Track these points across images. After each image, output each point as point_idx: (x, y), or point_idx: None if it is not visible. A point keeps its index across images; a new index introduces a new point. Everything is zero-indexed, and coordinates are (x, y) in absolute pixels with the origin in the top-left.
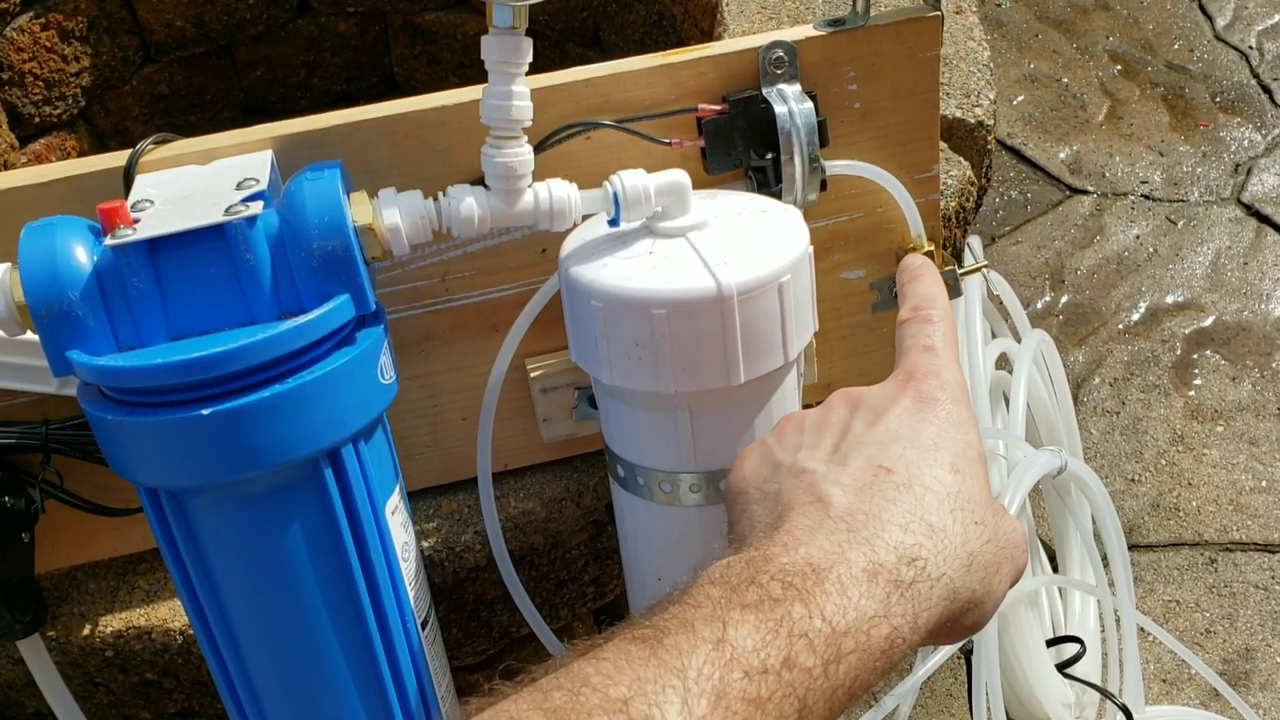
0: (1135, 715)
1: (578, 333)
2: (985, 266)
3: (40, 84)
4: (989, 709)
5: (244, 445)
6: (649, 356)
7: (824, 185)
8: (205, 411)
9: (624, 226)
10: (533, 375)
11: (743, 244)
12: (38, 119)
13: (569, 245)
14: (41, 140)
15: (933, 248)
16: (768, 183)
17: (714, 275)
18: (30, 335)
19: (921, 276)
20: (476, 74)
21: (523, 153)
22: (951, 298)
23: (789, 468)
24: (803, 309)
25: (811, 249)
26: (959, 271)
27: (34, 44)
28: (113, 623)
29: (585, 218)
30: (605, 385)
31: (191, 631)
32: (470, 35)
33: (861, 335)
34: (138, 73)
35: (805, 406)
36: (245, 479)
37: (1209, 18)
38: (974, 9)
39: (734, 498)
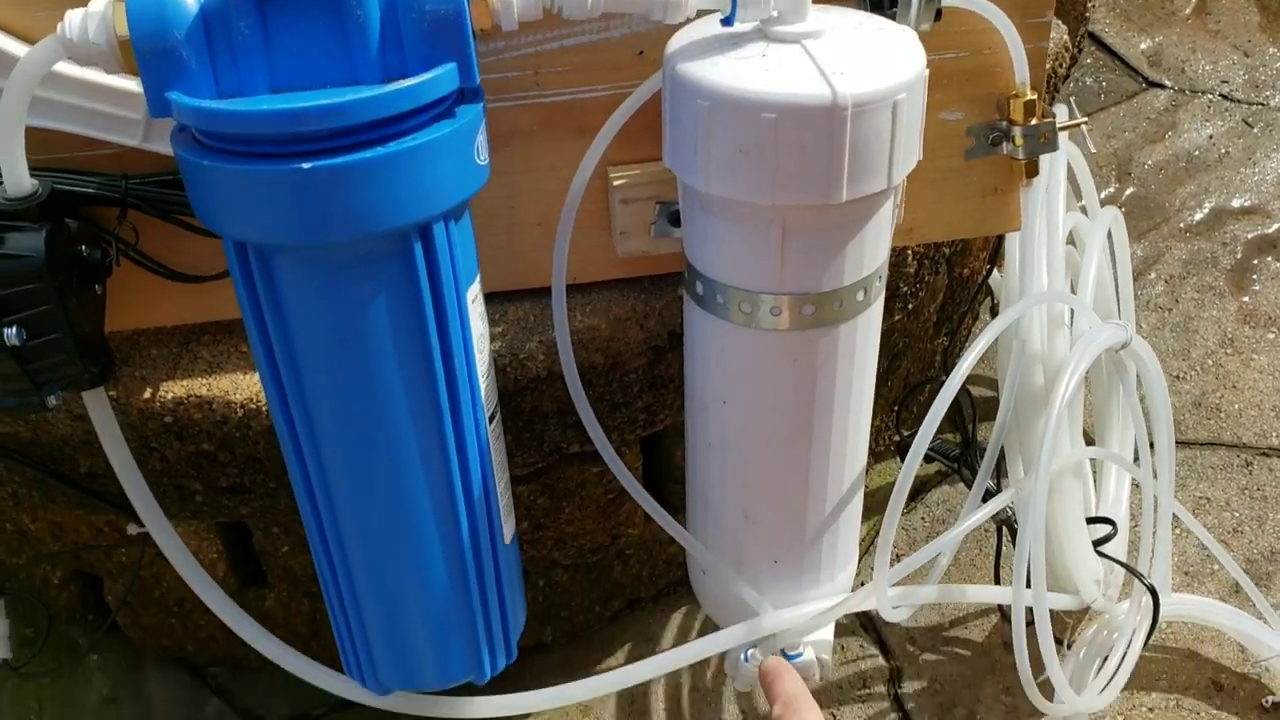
0: (1161, 599)
1: (676, 135)
2: (1085, 122)
3: None
4: (1030, 572)
5: (340, 206)
6: (751, 164)
7: (939, 15)
8: (306, 166)
9: (737, 27)
10: (615, 184)
11: (860, 56)
12: None
13: (676, 42)
14: None
15: (1034, 97)
16: (882, 5)
17: (830, 83)
18: (120, 82)
19: (781, 676)
20: None
21: None
22: (1048, 152)
23: None
24: (912, 132)
25: (927, 73)
26: (1058, 125)
27: None
28: (174, 389)
29: (699, 14)
30: (698, 194)
31: (251, 406)
32: None
33: (951, 182)
34: None
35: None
36: (336, 243)
37: None
38: None
39: None
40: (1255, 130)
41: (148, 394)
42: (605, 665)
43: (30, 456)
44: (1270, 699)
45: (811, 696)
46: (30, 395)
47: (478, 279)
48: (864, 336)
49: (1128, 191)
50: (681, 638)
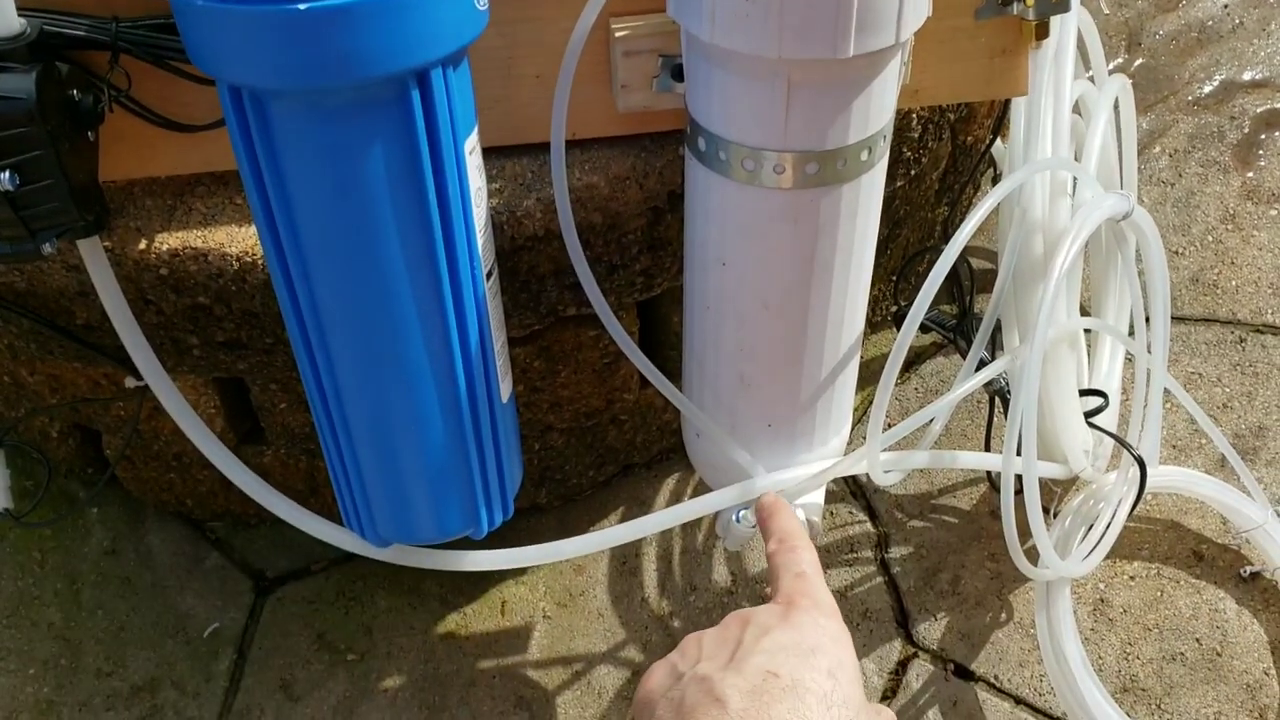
0: (1149, 469)
1: None
2: None
3: None
4: (1021, 439)
5: (337, 49)
6: (758, 12)
7: None
8: (302, 6)
9: None
10: (617, 35)
11: None
12: None
13: None
14: None
15: None
16: None
17: None
18: None
19: (778, 513)
20: None
21: None
22: (1060, 12)
23: (691, 676)
24: None
25: None
26: None
27: None
28: (169, 241)
29: None
30: (703, 44)
31: (247, 260)
32: None
33: (960, 41)
34: None
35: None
36: (332, 89)
37: None
38: None
39: (641, 708)
40: (1272, 0)
41: (142, 245)
42: (599, 527)
43: (27, 307)
44: (1248, 569)
45: (806, 534)
46: (25, 243)
47: (476, 130)
48: (867, 198)
49: (1137, 62)
50: (674, 502)
